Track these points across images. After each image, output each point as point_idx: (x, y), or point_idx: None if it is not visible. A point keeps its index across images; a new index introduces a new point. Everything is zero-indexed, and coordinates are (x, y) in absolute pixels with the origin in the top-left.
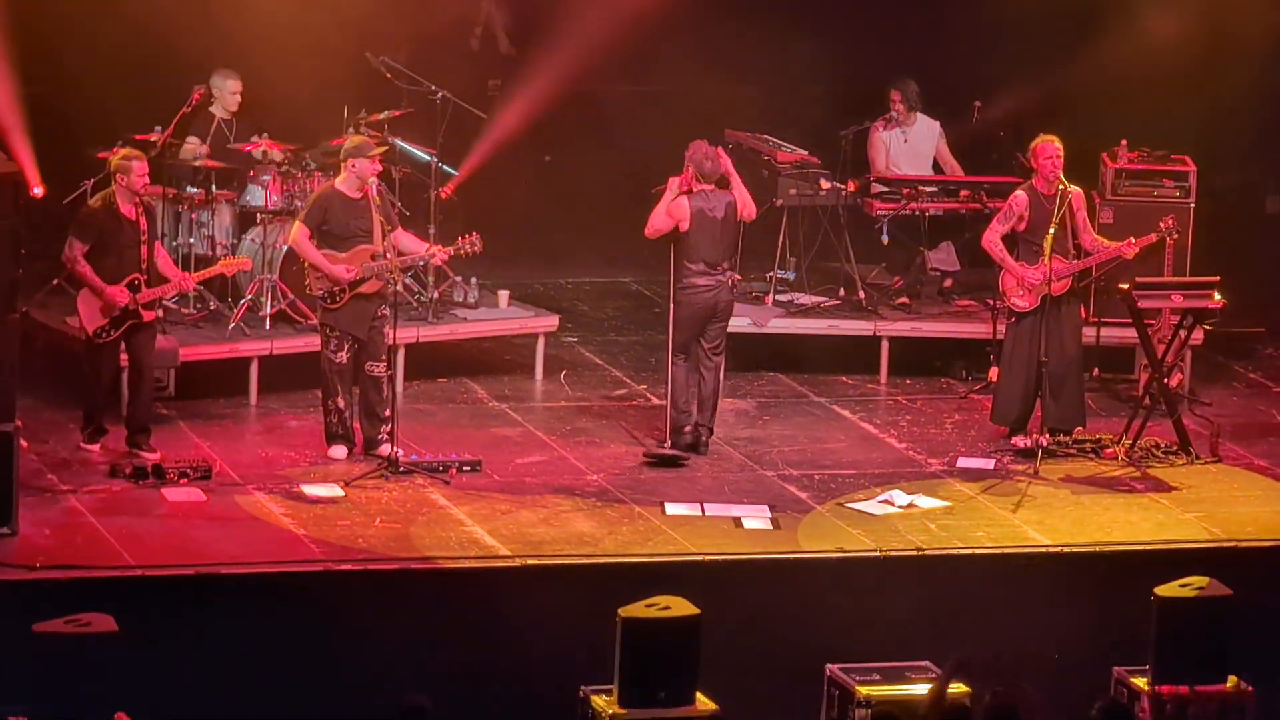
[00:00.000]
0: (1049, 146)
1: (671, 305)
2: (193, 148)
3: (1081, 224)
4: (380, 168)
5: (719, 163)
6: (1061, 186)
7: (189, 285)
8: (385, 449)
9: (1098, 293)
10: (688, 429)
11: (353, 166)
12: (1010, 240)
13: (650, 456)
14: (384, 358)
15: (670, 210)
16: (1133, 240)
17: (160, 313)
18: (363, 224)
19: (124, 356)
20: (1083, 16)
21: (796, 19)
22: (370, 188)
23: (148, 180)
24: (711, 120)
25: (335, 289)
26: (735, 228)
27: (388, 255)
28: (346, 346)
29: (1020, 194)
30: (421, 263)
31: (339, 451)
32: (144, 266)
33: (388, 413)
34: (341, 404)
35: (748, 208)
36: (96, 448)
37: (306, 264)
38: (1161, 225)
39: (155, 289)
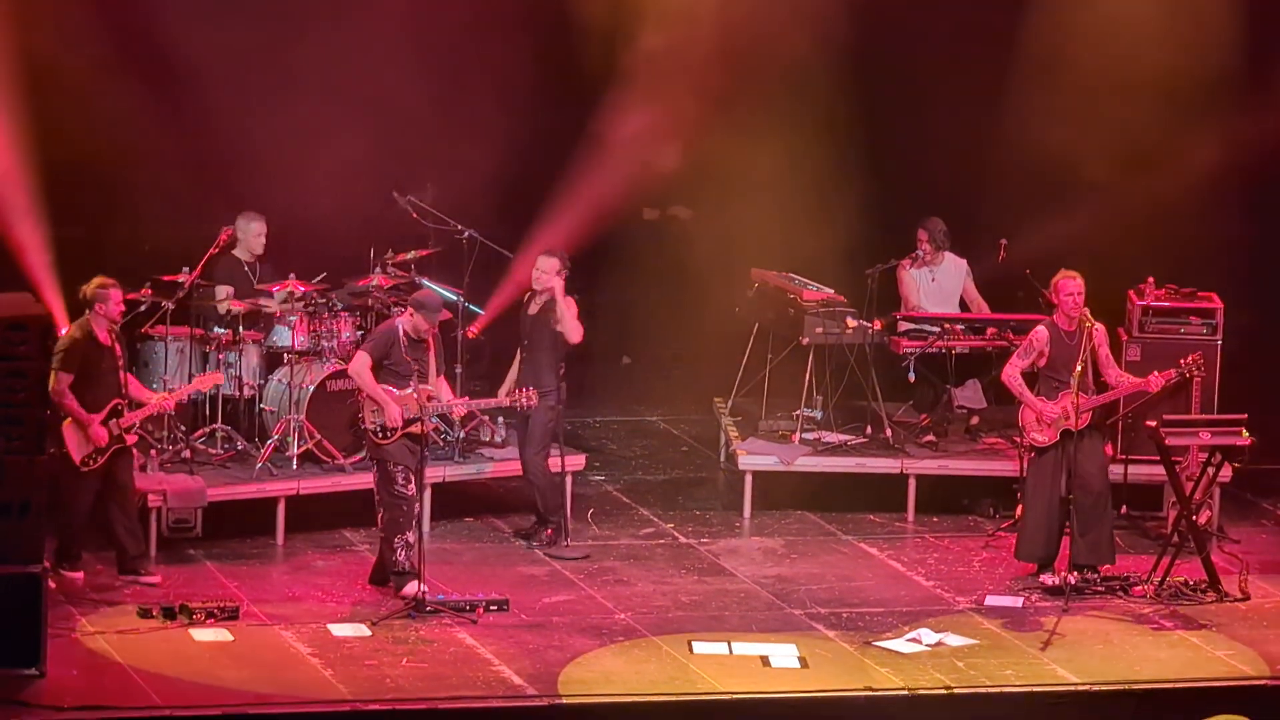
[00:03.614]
0: (1070, 283)
1: (552, 409)
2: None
3: (1104, 359)
4: (433, 331)
5: None
6: (1088, 324)
7: (169, 405)
8: (410, 587)
9: (1125, 430)
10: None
11: (412, 316)
12: (1031, 376)
13: (558, 557)
14: (419, 500)
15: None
16: (1157, 374)
17: (180, 453)
18: (421, 366)
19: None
20: (1107, 154)
21: (824, 156)
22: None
23: (124, 307)
24: (737, 253)
25: (389, 426)
26: None
27: (433, 399)
28: (413, 479)
29: (1041, 329)
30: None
31: (414, 587)
32: (124, 391)
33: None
34: (412, 539)
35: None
36: (80, 575)
37: (363, 395)
38: (1182, 362)
39: (136, 412)
